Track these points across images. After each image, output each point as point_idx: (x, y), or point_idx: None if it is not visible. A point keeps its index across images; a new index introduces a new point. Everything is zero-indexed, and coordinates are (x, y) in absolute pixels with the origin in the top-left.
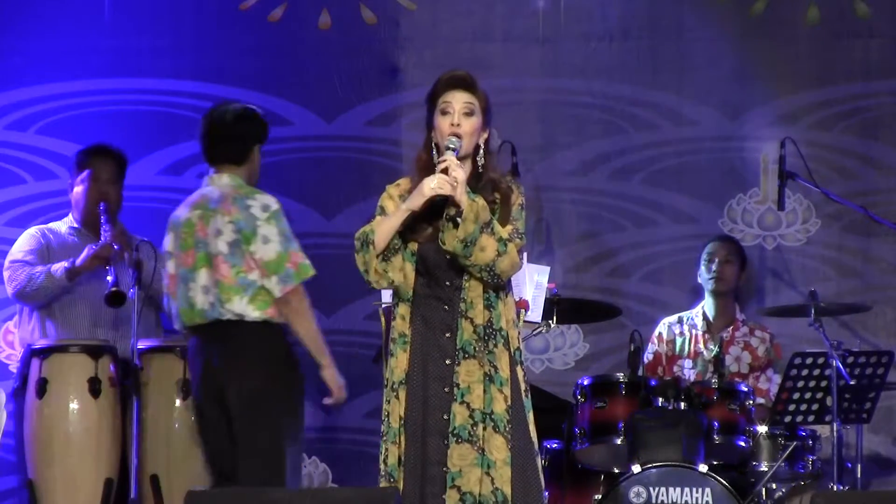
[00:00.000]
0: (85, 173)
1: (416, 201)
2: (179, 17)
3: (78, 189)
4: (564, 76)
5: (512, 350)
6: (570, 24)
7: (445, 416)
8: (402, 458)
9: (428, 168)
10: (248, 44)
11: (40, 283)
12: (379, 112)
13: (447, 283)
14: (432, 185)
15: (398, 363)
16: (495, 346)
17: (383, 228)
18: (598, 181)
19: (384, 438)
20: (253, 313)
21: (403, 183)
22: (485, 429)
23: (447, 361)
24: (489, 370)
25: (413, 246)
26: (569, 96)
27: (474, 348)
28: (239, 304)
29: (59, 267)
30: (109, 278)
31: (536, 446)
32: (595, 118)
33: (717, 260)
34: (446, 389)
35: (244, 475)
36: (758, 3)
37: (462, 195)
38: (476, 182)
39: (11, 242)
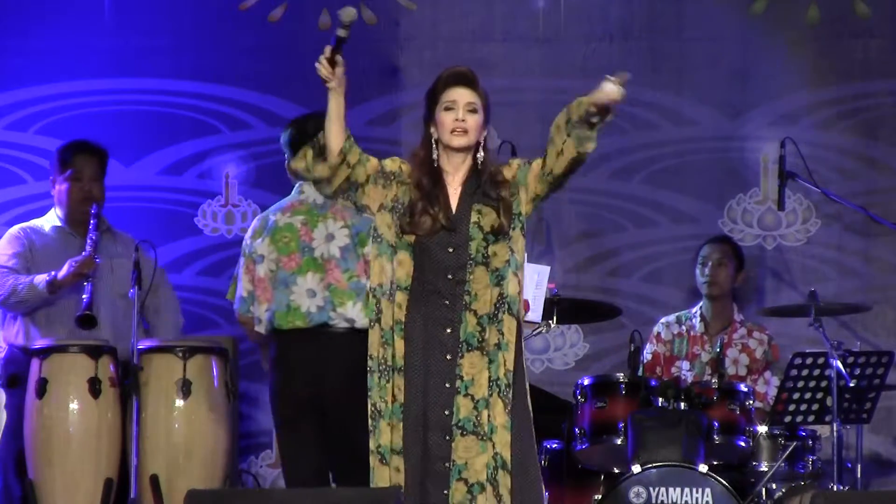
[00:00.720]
0: (68, 172)
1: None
2: (179, 17)
3: (61, 188)
4: (564, 76)
5: (518, 317)
6: (570, 24)
7: (447, 412)
8: (403, 452)
9: (425, 164)
10: (248, 44)
11: (23, 295)
12: (379, 112)
13: (448, 276)
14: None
15: (395, 350)
16: (504, 313)
17: (328, 125)
18: (598, 181)
19: (373, 416)
20: (363, 320)
21: (405, 166)
22: (490, 395)
23: (448, 357)
24: (497, 339)
25: (410, 238)
26: (569, 96)
27: (477, 339)
28: (352, 309)
29: (41, 279)
30: (84, 297)
31: (532, 415)
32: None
33: (710, 263)
34: (447, 385)
35: (344, 479)
36: (758, 3)
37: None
38: (476, 178)
39: None
